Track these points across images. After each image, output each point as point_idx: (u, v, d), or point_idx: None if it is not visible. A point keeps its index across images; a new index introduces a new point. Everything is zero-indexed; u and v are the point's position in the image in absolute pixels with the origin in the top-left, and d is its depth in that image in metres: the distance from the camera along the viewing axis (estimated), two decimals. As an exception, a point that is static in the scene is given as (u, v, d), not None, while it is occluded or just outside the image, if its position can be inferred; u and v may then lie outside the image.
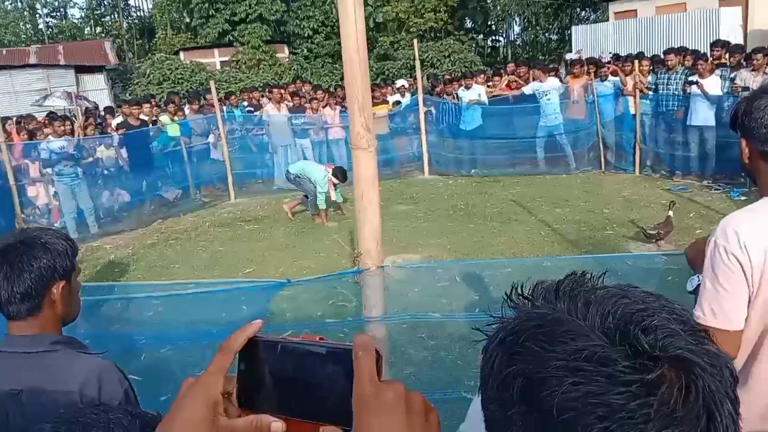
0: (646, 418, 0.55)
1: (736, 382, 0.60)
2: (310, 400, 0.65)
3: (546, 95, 10.26)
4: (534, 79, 11.15)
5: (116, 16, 39.95)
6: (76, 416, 1.10)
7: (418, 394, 0.62)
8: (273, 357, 0.66)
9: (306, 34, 26.90)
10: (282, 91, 12.34)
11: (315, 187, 8.46)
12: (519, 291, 0.68)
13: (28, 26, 38.19)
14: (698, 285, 1.79)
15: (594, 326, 0.59)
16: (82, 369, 1.54)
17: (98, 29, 39.58)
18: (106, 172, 9.92)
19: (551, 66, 12.64)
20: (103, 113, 13.67)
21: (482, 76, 12.36)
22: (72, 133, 9.80)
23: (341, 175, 8.54)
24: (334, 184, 8.61)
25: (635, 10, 18.75)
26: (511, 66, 12.71)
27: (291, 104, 11.92)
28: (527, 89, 10.68)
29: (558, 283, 0.66)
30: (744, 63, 9.00)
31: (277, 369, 0.66)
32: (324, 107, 11.97)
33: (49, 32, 38.19)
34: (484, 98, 11.15)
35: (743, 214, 1.68)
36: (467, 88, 11.33)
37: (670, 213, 6.25)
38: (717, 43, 10.35)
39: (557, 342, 0.59)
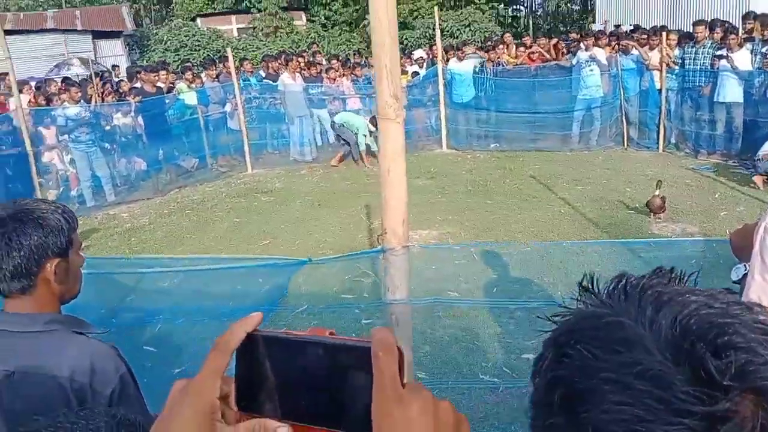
0: None
1: None
2: (321, 404, 0.56)
3: (590, 65, 9.99)
4: (558, 52, 10.92)
5: (134, -20, 39.52)
6: (54, 423, 1.03)
7: (448, 403, 0.53)
8: (275, 354, 0.57)
9: (324, 1, 26.51)
10: (300, 59, 12.18)
11: (356, 133, 10.03)
12: (589, 282, 0.59)
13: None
14: (744, 274, 1.69)
15: (659, 337, 0.50)
16: (75, 353, 1.47)
17: (115, -7, 39.23)
18: (123, 139, 9.89)
19: (573, 37, 12.38)
20: (117, 79, 13.64)
21: (472, 47, 12.09)
22: (89, 99, 9.77)
23: (377, 123, 8.92)
24: (371, 132, 9.84)
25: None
26: (527, 39, 12.46)
27: (307, 74, 11.73)
28: (574, 59, 10.39)
29: (634, 279, 0.57)
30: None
31: (281, 368, 0.57)
32: (341, 77, 11.82)
33: (65, -4, 37.93)
34: (470, 67, 11.03)
35: None
36: (459, 59, 11.12)
37: (657, 192, 6.16)
38: (749, 15, 10.01)
39: (611, 350, 0.51)
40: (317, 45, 18.39)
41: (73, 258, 1.55)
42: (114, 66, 17.13)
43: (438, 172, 9.51)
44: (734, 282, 1.75)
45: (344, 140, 10.40)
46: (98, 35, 23.21)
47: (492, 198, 7.93)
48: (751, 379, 0.47)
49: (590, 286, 0.59)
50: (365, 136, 10.01)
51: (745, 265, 1.72)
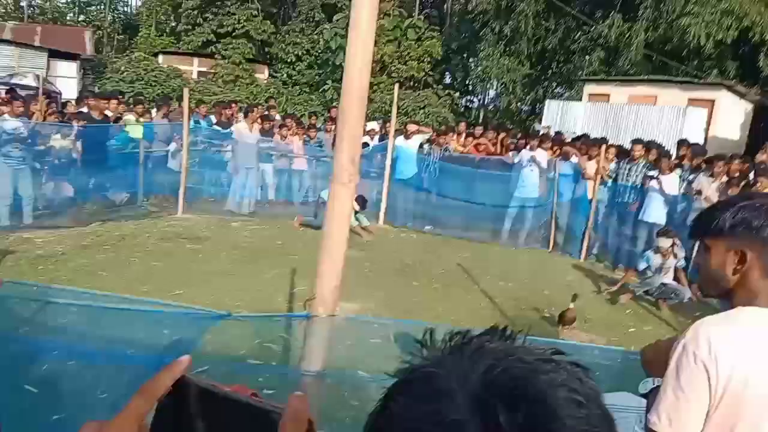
0: None
1: None
2: None
3: (531, 165, 10.32)
4: (503, 147, 11.34)
5: (102, 7, 39.42)
6: None
7: None
8: (196, 402, 0.57)
9: (289, 60, 26.96)
10: (259, 110, 12.24)
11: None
12: (425, 337, 0.62)
13: (9, 1, 37.34)
14: (653, 388, 1.71)
15: (467, 389, 0.52)
16: None
17: (81, 17, 38.96)
18: (56, 162, 9.58)
19: (518, 136, 12.94)
20: (66, 100, 13.34)
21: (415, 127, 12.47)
22: (30, 115, 9.48)
23: (361, 202, 9.64)
24: (355, 211, 9.57)
25: (608, 95, 19.34)
26: (479, 129, 12.91)
27: (260, 127, 11.78)
28: (517, 157, 10.72)
29: (464, 335, 0.60)
30: (703, 167, 9.26)
31: (199, 417, 0.57)
32: (293, 135, 11.90)
33: (30, 11, 37.40)
34: (415, 146, 11.41)
35: (718, 322, 1.59)
36: (407, 138, 11.46)
37: (571, 305, 6.10)
38: (684, 142, 10.66)
39: (420, 401, 0.53)
40: (274, 100, 18.54)
41: None
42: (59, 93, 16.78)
43: (369, 244, 9.54)
44: (641, 395, 1.77)
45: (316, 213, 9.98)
46: (54, 54, 22.79)
47: (418, 279, 7.97)
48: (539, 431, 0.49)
49: (425, 341, 0.61)
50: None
51: (653, 380, 1.76)
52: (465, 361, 0.55)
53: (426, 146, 11.57)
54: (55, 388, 4.34)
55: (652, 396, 1.69)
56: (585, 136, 12.80)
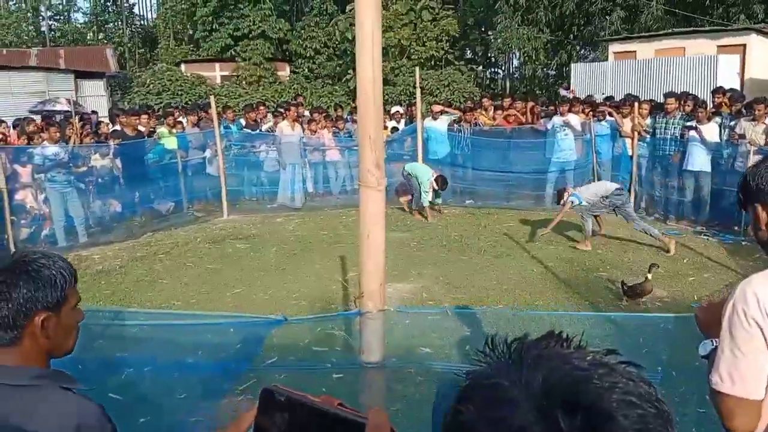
0: None
1: None
2: None
3: (564, 130, 10.28)
4: (535, 115, 11.26)
5: (119, 23, 40.03)
6: None
7: None
8: (291, 414, 0.65)
9: (308, 54, 27.03)
10: (297, 109, 12.37)
11: (420, 186, 9.94)
12: (489, 344, 0.66)
13: (30, 28, 38.13)
14: (712, 349, 1.72)
15: (529, 396, 0.57)
16: (62, 411, 1.44)
17: (101, 35, 39.63)
18: (99, 180, 9.85)
19: (545, 101, 12.82)
20: (99, 120, 13.65)
21: (440, 106, 12.45)
22: (68, 139, 9.75)
23: (441, 182, 9.88)
24: (434, 189, 9.90)
25: (635, 52, 18.96)
26: (508, 100, 12.81)
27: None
28: (549, 124, 10.68)
29: (523, 343, 0.65)
30: (744, 112, 9.08)
31: (291, 425, 0.65)
32: (322, 129, 12.01)
33: (51, 35, 38.18)
34: (444, 126, 11.44)
35: (764, 278, 1.60)
36: (434, 118, 11.46)
37: (649, 275, 5.84)
38: (719, 90, 10.47)
39: (488, 408, 0.58)
40: (302, 97, 18.65)
41: (65, 313, 1.52)
42: (93, 111, 17.13)
43: (414, 225, 9.61)
44: (702, 357, 1.79)
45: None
46: (81, 75, 23.27)
47: (466, 253, 8.01)
48: None
49: (487, 349, 0.66)
50: (426, 193, 9.90)
51: (712, 341, 1.77)
52: (525, 370, 0.60)
53: (455, 121, 11.58)
54: (137, 393, 4.52)
55: (712, 357, 1.71)
56: (609, 97, 12.64)
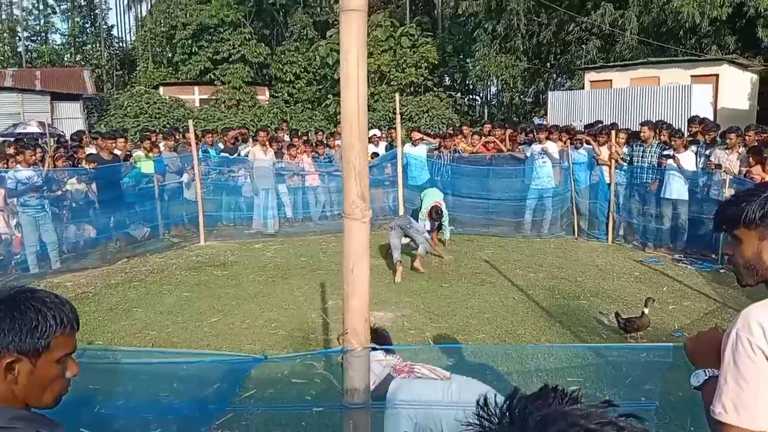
0: None
1: None
2: None
3: (542, 157, 10.36)
4: (512, 142, 11.34)
5: (98, 45, 39.85)
6: None
7: None
8: None
9: (288, 79, 27.13)
10: (267, 134, 12.30)
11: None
12: (482, 405, 0.65)
13: (6, 48, 37.83)
14: (705, 380, 1.72)
15: None
16: None
17: (78, 57, 39.39)
18: (74, 205, 9.65)
19: (524, 129, 12.96)
20: (72, 142, 13.44)
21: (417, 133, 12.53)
22: (42, 162, 9.57)
23: (437, 215, 9.22)
24: (439, 224, 9.37)
25: (610, 80, 19.32)
26: (487, 127, 12.91)
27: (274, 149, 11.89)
28: (528, 151, 10.75)
29: (520, 401, 0.63)
30: (719, 141, 9.23)
31: None
32: (301, 154, 11.97)
33: (28, 56, 37.86)
34: (423, 152, 11.50)
35: (763, 306, 1.60)
36: (414, 144, 11.54)
37: (646, 310, 5.72)
38: (694, 120, 10.68)
39: None
40: (286, 123, 18.60)
41: (44, 362, 1.42)
42: (72, 135, 16.94)
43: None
44: (695, 388, 1.77)
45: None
46: (57, 97, 23.05)
47: (447, 281, 7.97)
48: None
49: (484, 409, 0.64)
50: (436, 227, 9.43)
51: (704, 371, 1.76)
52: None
53: (434, 148, 11.64)
54: (110, 429, 4.36)
55: (706, 387, 1.69)
56: (589, 125, 12.82)
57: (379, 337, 4.81)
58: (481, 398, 0.65)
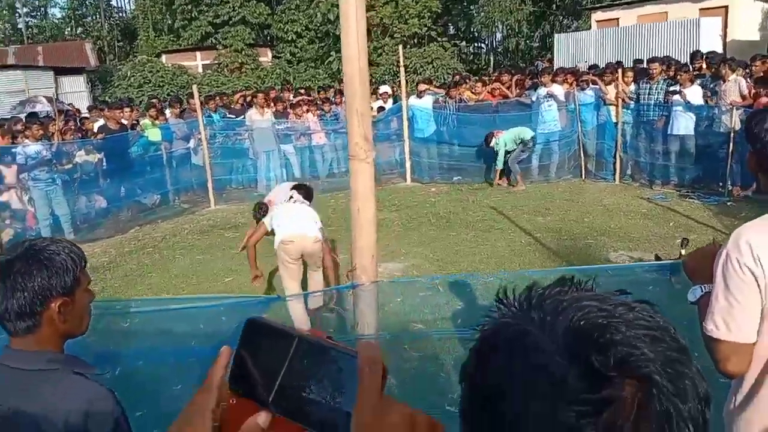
0: None
1: (707, 404, 0.59)
2: (303, 401, 0.60)
3: (548, 101, 10.26)
4: (518, 87, 11.22)
5: (98, 17, 39.51)
6: None
7: (424, 416, 0.61)
8: (273, 344, 0.62)
9: (290, 38, 26.80)
10: (265, 96, 12.26)
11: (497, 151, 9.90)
12: (502, 296, 0.67)
13: (7, 26, 37.67)
14: (701, 295, 1.77)
15: (557, 340, 0.58)
16: (73, 395, 1.49)
17: (79, 30, 39.15)
18: (84, 177, 9.76)
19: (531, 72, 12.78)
20: (81, 115, 13.51)
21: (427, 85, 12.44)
22: (50, 136, 9.65)
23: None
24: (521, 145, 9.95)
25: (617, 19, 18.90)
26: (495, 78, 12.73)
27: (274, 109, 11.85)
28: (534, 96, 10.66)
29: (537, 290, 0.65)
30: (723, 72, 9.05)
31: (275, 357, 0.61)
32: (306, 113, 11.93)
33: (28, 32, 37.71)
34: (429, 104, 11.40)
35: (756, 226, 1.65)
36: (419, 96, 11.42)
37: (683, 251, 5.74)
38: (696, 55, 10.48)
39: (520, 356, 0.59)
40: (290, 84, 18.46)
41: (79, 296, 1.58)
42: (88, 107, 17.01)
43: (402, 204, 9.60)
44: (692, 303, 1.82)
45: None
46: (60, 71, 23.04)
47: (455, 229, 8.02)
48: (630, 368, 0.55)
49: (503, 299, 0.66)
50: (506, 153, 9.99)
51: (701, 287, 1.81)
52: (548, 316, 0.61)
53: (441, 101, 11.53)
54: (131, 388, 4.51)
55: (702, 303, 1.74)
56: (594, 66, 12.62)
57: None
58: (499, 290, 0.68)
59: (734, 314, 1.60)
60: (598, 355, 0.56)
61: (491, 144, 9.98)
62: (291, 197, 5.55)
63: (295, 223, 5.24)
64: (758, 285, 1.58)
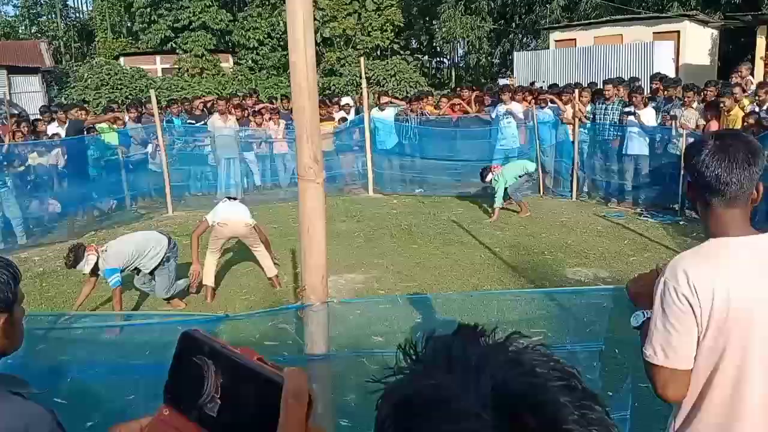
0: None
1: None
2: (224, 421, 0.59)
3: (507, 118, 10.43)
4: (480, 103, 11.41)
5: (53, 16, 38.56)
6: None
7: None
8: (203, 360, 0.61)
9: (251, 45, 26.65)
10: (227, 102, 12.16)
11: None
12: (412, 349, 0.63)
13: (-43, 22, 36.47)
14: (644, 321, 1.82)
15: (485, 403, 0.56)
16: (9, 417, 1.41)
17: (34, 29, 38.13)
18: (37, 180, 9.50)
19: (490, 89, 13.02)
20: (35, 117, 13.14)
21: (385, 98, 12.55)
22: (2, 139, 9.39)
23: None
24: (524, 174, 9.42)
25: (575, 39, 19.40)
26: (461, 92, 12.92)
27: (236, 117, 11.75)
28: (493, 112, 10.81)
29: (443, 341, 0.63)
30: (677, 96, 9.40)
31: (203, 374, 0.60)
32: (268, 121, 11.88)
33: (-21, 30, 36.56)
34: (391, 116, 11.44)
35: (692, 256, 1.71)
36: (381, 109, 11.53)
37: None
38: (656, 76, 10.84)
39: (445, 422, 0.56)
40: (256, 92, 18.31)
41: (16, 312, 1.54)
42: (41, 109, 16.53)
43: (364, 215, 9.62)
44: (635, 328, 1.88)
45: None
46: (14, 70, 22.37)
47: (416, 242, 8.08)
48: (558, 426, 0.55)
49: (417, 357, 0.63)
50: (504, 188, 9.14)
51: (643, 312, 1.86)
52: (471, 374, 0.58)
53: (402, 113, 11.64)
54: (83, 397, 4.40)
55: (644, 328, 1.80)
56: (553, 85, 12.93)
57: None
58: (409, 342, 0.64)
59: (671, 341, 1.65)
60: (531, 417, 0.55)
61: (488, 180, 9.28)
62: (229, 197, 7.08)
63: (231, 212, 6.61)
64: (694, 313, 1.63)
